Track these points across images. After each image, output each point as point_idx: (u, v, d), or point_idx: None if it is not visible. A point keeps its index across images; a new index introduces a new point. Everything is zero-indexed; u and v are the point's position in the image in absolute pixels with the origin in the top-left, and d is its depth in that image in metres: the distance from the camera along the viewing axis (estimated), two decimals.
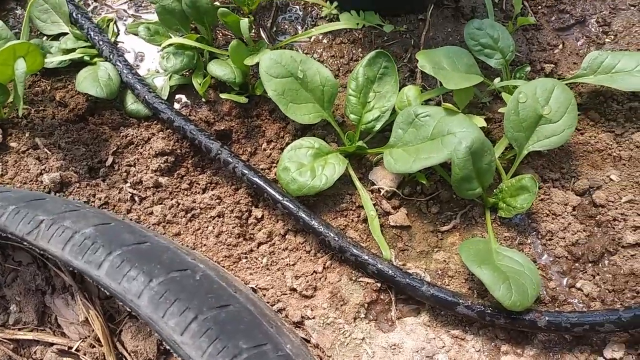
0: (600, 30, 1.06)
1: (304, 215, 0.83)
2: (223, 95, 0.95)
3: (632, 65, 0.90)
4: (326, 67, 1.02)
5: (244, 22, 0.95)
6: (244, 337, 0.56)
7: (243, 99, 0.96)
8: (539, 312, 0.72)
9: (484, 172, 0.80)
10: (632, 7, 1.07)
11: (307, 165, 0.87)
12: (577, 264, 0.82)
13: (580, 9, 1.08)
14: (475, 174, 0.80)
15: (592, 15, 1.07)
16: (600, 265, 0.82)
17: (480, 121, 0.87)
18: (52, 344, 0.77)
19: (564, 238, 0.83)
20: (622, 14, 1.06)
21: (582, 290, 0.79)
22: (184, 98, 1.04)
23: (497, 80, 0.90)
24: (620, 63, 0.90)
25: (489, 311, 0.73)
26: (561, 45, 1.04)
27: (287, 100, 0.89)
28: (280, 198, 0.85)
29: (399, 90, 0.91)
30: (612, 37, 1.04)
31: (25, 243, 0.61)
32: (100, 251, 0.58)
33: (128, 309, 0.58)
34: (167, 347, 0.55)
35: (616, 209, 0.85)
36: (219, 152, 0.91)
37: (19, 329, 0.80)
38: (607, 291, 0.79)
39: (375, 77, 0.92)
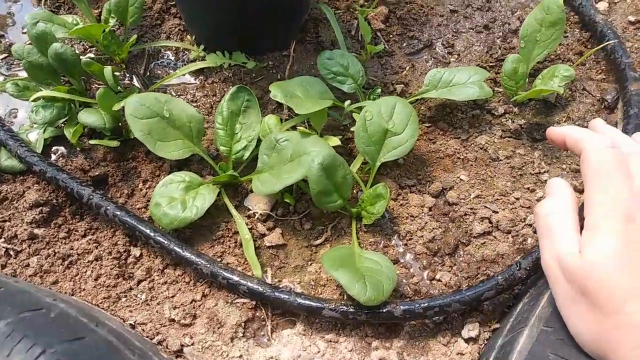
0: (446, 51, 1.18)
1: (176, 248, 0.86)
2: (92, 142, 0.98)
3: (465, 78, 1.01)
4: (198, 105, 1.09)
5: (107, 70, 0.99)
6: None
7: (114, 143, 0.99)
8: (394, 303, 0.78)
9: (340, 184, 0.87)
10: (471, 30, 1.21)
11: (179, 199, 0.90)
12: (435, 258, 0.89)
13: (427, 35, 1.20)
14: (332, 187, 0.86)
15: (438, 39, 1.20)
16: (456, 256, 0.90)
17: (334, 140, 0.94)
18: None
19: (422, 236, 0.91)
20: (463, 36, 1.20)
21: (442, 281, 0.86)
22: (61, 149, 1.05)
23: (347, 102, 0.99)
24: (456, 77, 1.02)
25: (351, 310, 0.78)
26: (412, 68, 1.15)
27: (155, 139, 0.93)
28: (152, 234, 0.88)
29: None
30: (456, 56, 1.17)
31: None
32: None
33: None
34: None
35: (467, 204, 0.95)
36: (91, 197, 0.92)
37: None
38: (463, 278, 0.86)
39: (240, 110, 0.98)
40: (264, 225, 0.93)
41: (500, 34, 1.19)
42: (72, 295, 0.86)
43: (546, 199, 0.65)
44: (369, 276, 0.78)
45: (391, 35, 1.20)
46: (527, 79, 1.05)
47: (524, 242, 0.88)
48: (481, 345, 0.79)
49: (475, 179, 0.98)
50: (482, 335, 0.80)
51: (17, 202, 0.96)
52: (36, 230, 0.92)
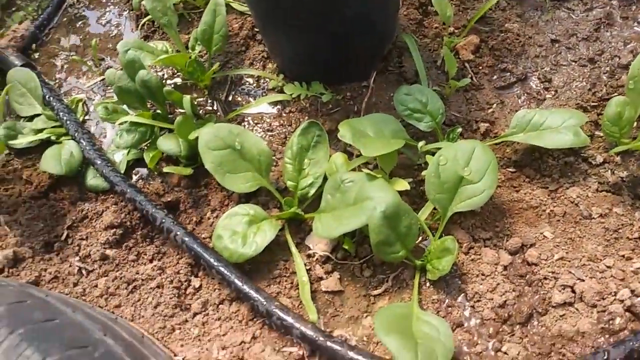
0: (542, 86, 1.07)
1: (236, 280, 0.86)
2: (166, 169, 1.01)
3: (558, 123, 0.91)
4: (273, 135, 1.09)
5: (186, 100, 1.02)
6: None
7: (187, 171, 1.01)
8: None
9: (404, 235, 0.81)
10: (573, 63, 1.09)
11: (240, 233, 0.90)
12: (504, 326, 0.80)
13: (522, 67, 1.10)
14: (395, 237, 0.81)
15: (534, 73, 1.09)
16: (528, 327, 0.80)
17: (403, 184, 0.89)
18: None
19: (492, 299, 0.82)
20: (563, 70, 1.08)
21: (508, 354, 0.77)
22: (141, 171, 1.10)
23: (421, 143, 0.92)
24: (548, 120, 0.92)
25: None
26: (500, 104, 1.06)
27: (225, 170, 0.94)
28: (215, 264, 0.88)
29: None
30: (553, 92, 1.06)
31: None
32: (3, 330, 0.62)
33: None
34: None
35: (548, 267, 0.84)
36: (163, 220, 0.95)
37: None
38: (533, 354, 0.77)
39: (310, 145, 0.96)
40: (322, 268, 0.90)
41: (608, 68, 1.06)
42: (132, 320, 0.89)
43: None
44: (423, 344, 0.71)
45: (480, 67, 1.11)
46: (633, 125, 0.91)
47: (610, 322, 0.76)
48: None
49: (562, 237, 0.87)
50: None
51: (95, 222, 1.01)
52: (108, 252, 0.97)
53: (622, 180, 0.91)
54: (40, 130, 1.15)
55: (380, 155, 0.88)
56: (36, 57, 1.33)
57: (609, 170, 0.93)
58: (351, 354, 0.76)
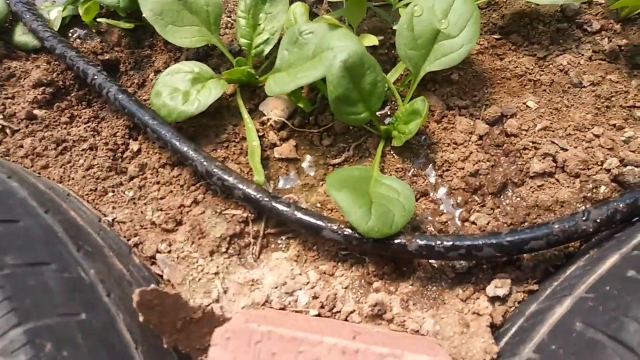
0: None
1: (172, 140, 0.75)
2: (103, 20, 0.87)
3: None
4: None
5: None
6: (17, 253, 0.49)
7: (127, 25, 0.88)
8: (410, 236, 0.62)
9: (367, 93, 0.71)
10: None
11: (182, 90, 0.79)
12: (474, 196, 0.72)
13: None
14: (357, 94, 0.70)
15: None
16: (501, 197, 0.71)
17: (371, 39, 0.77)
18: None
19: (462, 168, 0.73)
20: None
21: (476, 224, 0.69)
22: (78, 30, 0.96)
23: None
24: None
25: (356, 235, 0.63)
26: None
27: (166, 22, 0.81)
28: (151, 122, 0.77)
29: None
30: None
31: None
32: None
33: None
34: None
35: (529, 137, 0.75)
36: (95, 76, 0.83)
37: None
38: (504, 224, 0.69)
39: None
40: (277, 135, 0.80)
41: None
42: (60, 182, 0.79)
43: None
44: (379, 203, 0.63)
45: None
46: None
47: (594, 191, 0.68)
48: (510, 307, 0.62)
49: (547, 107, 0.77)
50: (514, 296, 0.63)
51: (22, 80, 0.89)
52: (36, 111, 0.85)
53: (620, 49, 0.80)
54: None
55: (347, 3, 0.76)
56: None
57: (606, 38, 0.82)
58: (299, 214, 0.66)
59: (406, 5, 0.81)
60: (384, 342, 0.50)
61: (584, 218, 0.58)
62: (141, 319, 0.52)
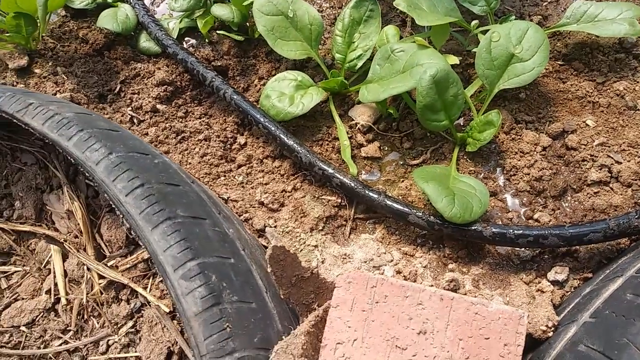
0: None
1: (281, 135, 0.89)
2: (219, 32, 1.03)
3: (615, 14, 0.90)
4: (322, 15, 1.09)
5: None
6: (184, 208, 0.63)
7: (239, 37, 1.04)
8: (486, 223, 0.74)
9: (449, 104, 0.83)
10: None
11: (287, 94, 0.93)
12: (538, 198, 0.83)
13: None
14: (440, 104, 0.83)
15: None
16: (562, 200, 0.82)
17: (453, 59, 0.90)
18: (45, 236, 0.87)
19: (528, 174, 0.84)
20: None
21: (539, 222, 0.80)
22: (192, 40, 1.12)
23: (474, 22, 0.93)
24: (603, 12, 0.91)
25: (438, 221, 0.75)
26: (555, 2, 1.05)
27: (276, 36, 0.96)
28: (262, 119, 0.91)
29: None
30: None
31: (15, 120, 0.71)
32: (73, 128, 0.66)
33: (88, 176, 0.66)
34: (133, 235, 0.62)
35: (587, 150, 0.86)
36: (213, 79, 0.98)
37: (21, 223, 0.90)
38: (564, 223, 0.80)
39: (361, 19, 0.97)
40: (363, 137, 0.93)
41: None
42: (180, 166, 0.94)
43: None
44: (460, 196, 0.75)
45: None
46: None
47: None
48: (567, 291, 0.73)
49: (604, 126, 0.88)
50: (570, 282, 0.74)
51: (147, 80, 1.05)
52: (159, 106, 1.01)
53: None
54: None
55: (433, 27, 0.89)
56: None
57: None
58: (388, 201, 0.79)
59: (483, 32, 0.94)
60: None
61: (636, 216, 0.69)
62: (269, 269, 0.66)
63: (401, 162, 0.91)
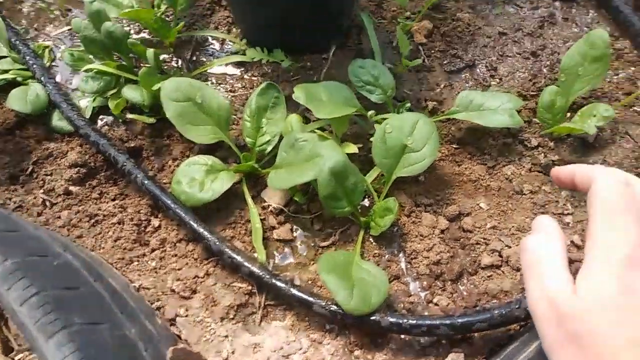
0: (488, 74, 1.17)
1: (191, 222, 0.91)
2: (130, 116, 1.05)
3: (497, 104, 1.00)
4: (235, 95, 1.14)
5: (150, 52, 1.06)
6: (82, 313, 0.64)
7: (149, 120, 1.06)
8: (384, 314, 0.79)
9: (350, 192, 0.89)
10: (518, 55, 1.19)
11: (198, 180, 0.95)
12: (437, 281, 0.89)
13: (471, 55, 1.19)
14: (342, 193, 0.88)
15: (482, 61, 1.19)
16: (458, 283, 0.89)
17: (352, 148, 0.97)
18: None
19: (427, 257, 0.91)
20: (508, 61, 1.18)
21: (438, 305, 0.86)
22: (107, 118, 1.13)
23: (371, 112, 1.00)
24: (488, 102, 1.01)
25: (340, 311, 0.80)
26: (449, 86, 1.15)
27: (185, 121, 0.98)
28: (173, 205, 0.93)
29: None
30: (498, 80, 1.16)
31: None
32: None
33: None
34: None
35: (481, 233, 0.94)
36: (125, 163, 1.00)
37: None
38: (460, 307, 0.86)
39: (268, 105, 1.02)
40: (275, 219, 0.97)
41: (548, 62, 1.16)
42: (92, 251, 0.93)
43: (533, 233, 0.62)
44: (359, 286, 0.80)
45: (432, 51, 1.20)
46: (565, 113, 1.02)
47: None
48: None
49: (495, 209, 0.97)
50: None
51: (60, 160, 1.04)
52: (72, 188, 1.01)
53: (553, 163, 1.01)
54: (6, 71, 1.16)
55: (332, 119, 0.95)
56: (0, 1, 1.33)
57: (542, 153, 1.03)
58: (294, 290, 0.83)
59: (380, 119, 1.01)
60: None
61: (517, 306, 0.77)
62: None
63: (312, 244, 0.95)
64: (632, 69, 1.12)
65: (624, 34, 1.18)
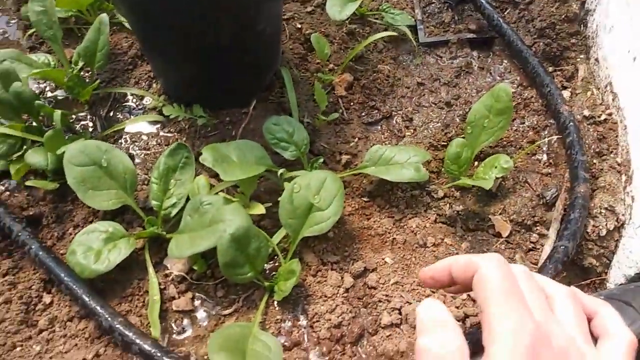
0: (403, 124, 1.17)
1: (83, 296, 0.87)
2: (29, 183, 1.01)
3: (404, 159, 1.00)
4: (149, 153, 1.11)
5: (57, 114, 1.03)
6: None
7: (51, 185, 1.02)
8: None
9: (253, 257, 0.86)
10: (433, 105, 1.20)
11: (95, 249, 0.91)
12: (337, 345, 0.87)
13: (389, 106, 1.20)
14: (243, 259, 0.86)
15: (398, 112, 1.19)
16: (358, 345, 0.87)
17: (259, 209, 0.94)
18: None
19: (329, 319, 0.88)
20: (423, 110, 1.19)
21: None
22: (8, 183, 1.08)
23: (281, 170, 0.98)
24: (396, 156, 1.01)
25: None
26: (365, 138, 1.14)
27: (87, 187, 0.95)
28: (66, 279, 0.89)
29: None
30: (412, 130, 1.16)
31: None
32: None
33: None
34: None
35: (384, 290, 0.92)
36: (19, 233, 0.95)
37: None
38: None
39: (177, 166, 0.99)
40: (176, 288, 0.93)
41: (461, 112, 1.17)
42: None
43: (427, 334, 0.52)
44: None
45: (352, 103, 1.20)
46: (471, 163, 1.02)
47: None
48: None
49: (399, 263, 0.96)
50: None
51: None
52: None
53: (458, 214, 1.01)
54: None
55: (241, 180, 0.93)
56: None
57: (448, 204, 1.03)
58: None
59: (290, 178, 0.99)
60: None
61: None
62: None
63: (213, 313, 0.92)
64: (536, 117, 1.14)
65: (532, 83, 1.20)
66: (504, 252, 0.96)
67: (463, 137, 1.03)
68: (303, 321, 0.89)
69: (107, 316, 0.85)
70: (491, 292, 0.53)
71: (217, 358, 0.75)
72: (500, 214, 1.00)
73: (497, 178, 0.97)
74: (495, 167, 0.98)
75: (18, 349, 0.86)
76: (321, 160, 1.06)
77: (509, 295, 0.53)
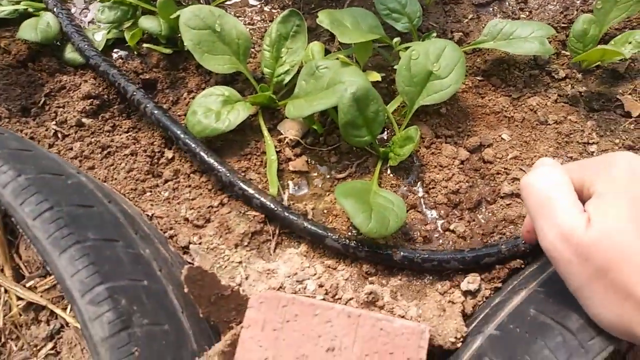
0: (518, 7, 1.11)
1: (201, 152, 0.89)
2: (146, 45, 1.02)
3: (527, 33, 0.95)
4: (253, 29, 1.10)
5: None
6: (96, 230, 0.62)
7: (167, 50, 1.03)
8: (395, 248, 0.78)
9: (371, 120, 0.86)
10: None
11: (214, 110, 0.93)
12: (454, 210, 0.86)
13: None
14: (362, 121, 0.85)
15: None
16: (476, 212, 0.86)
17: (375, 76, 0.93)
18: None
19: (446, 187, 0.88)
20: None
21: (455, 232, 0.84)
22: (121, 52, 1.11)
23: (396, 39, 0.96)
24: (517, 30, 0.96)
25: (352, 244, 0.78)
26: (476, 18, 1.09)
27: (203, 50, 0.95)
28: (182, 136, 0.91)
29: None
30: (528, 13, 1.10)
31: None
32: None
33: None
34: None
35: (502, 164, 0.90)
36: (134, 93, 0.97)
37: None
38: (477, 234, 0.83)
39: (289, 34, 0.98)
40: (291, 151, 0.94)
41: None
42: (105, 182, 0.92)
43: (536, 172, 0.57)
44: (377, 211, 0.77)
45: None
46: (597, 44, 0.96)
47: None
48: (480, 301, 0.77)
49: (518, 140, 0.93)
50: (482, 292, 0.77)
51: (72, 92, 1.03)
52: (84, 119, 0.99)
53: (580, 95, 0.97)
54: (18, 2, 1.14)
55: (356, 45, 0.91)
56: None
57: (570, 85, 0.98)
58: (306, 224, 0.81)
59: (405, 48, 0.97)
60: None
61: (523, 241, 0.74)
62: (185, 290, 0.66)
63: (328, 176, 0.93)
64: None
65: None
66: (632, 132, 0.91)
67: (591, 12, 0.97)
68: (418, 187, 0.89)
69: (226, 172, 0.87)
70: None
71: (345, 202, 0.76)
72: (629, 93, 0.95)
73: (630, 52, 0.91)
74: (630, 43, 0.92)
75: (148, 194, 0.90)
76: (434, 34, 1.02)
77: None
